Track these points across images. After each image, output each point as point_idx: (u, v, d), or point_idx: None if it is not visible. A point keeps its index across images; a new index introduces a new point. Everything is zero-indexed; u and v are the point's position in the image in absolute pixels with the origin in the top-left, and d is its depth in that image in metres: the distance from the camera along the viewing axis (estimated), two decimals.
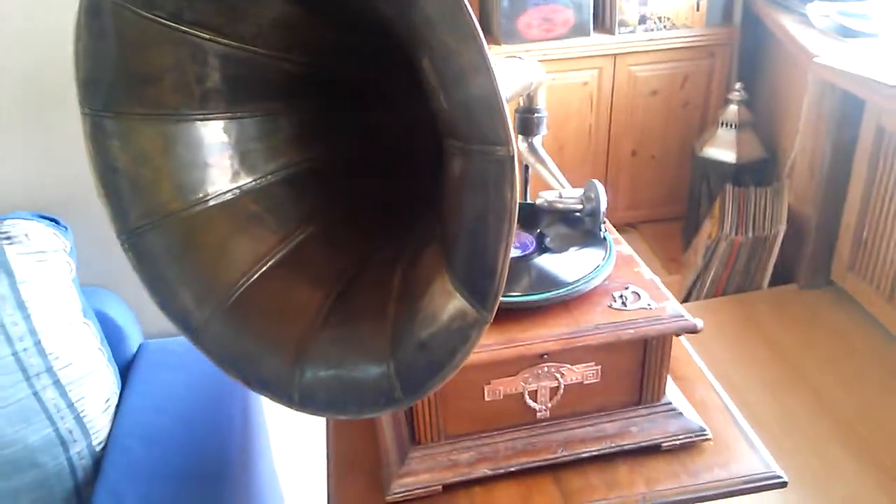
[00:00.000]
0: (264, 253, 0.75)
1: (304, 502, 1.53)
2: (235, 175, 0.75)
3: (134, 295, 1.24)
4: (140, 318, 1.25)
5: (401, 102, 0.76)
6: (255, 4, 0.66)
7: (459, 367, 0.58)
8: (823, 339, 1.98)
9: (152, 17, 0.64)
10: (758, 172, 2.41)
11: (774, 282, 2.21)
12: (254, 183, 0.76)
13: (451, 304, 0.58)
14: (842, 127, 1.98)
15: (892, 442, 1.66)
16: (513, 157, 0.49)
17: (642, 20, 2.45)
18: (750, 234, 2.15)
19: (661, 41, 2.47)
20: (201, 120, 0.72)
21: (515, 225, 0.52)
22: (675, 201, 2.73)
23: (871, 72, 1.75)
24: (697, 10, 2.47)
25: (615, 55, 2.47)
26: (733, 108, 2.41)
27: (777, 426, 1.73)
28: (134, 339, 1.21)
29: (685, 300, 2.26)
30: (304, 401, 0.69)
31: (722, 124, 2.44)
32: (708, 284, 2.21)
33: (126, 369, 1.17)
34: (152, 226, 0.72)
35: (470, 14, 0.48)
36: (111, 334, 1.15)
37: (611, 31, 2.46)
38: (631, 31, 2.46)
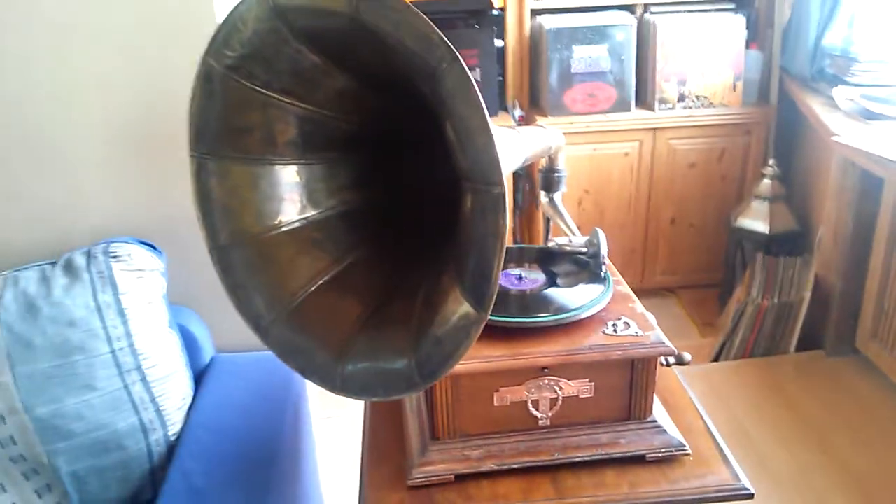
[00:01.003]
0: (321, 271, 0.94)
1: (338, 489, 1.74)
2: (303, 208, 0.95)
3: (210, 315, 1.45)
4: (214, 334, 1.46)
5: (428, 155, 0.95)
6: (326, 78, 0.87)
7: (463, 356, 0.75)
8: (845, 404, 2.06)
9: (250, 85, 0.85)
10: (789, 243, 2.53)
11: (802, 348, 2.30)
12: (317, 215, 0.96)
13: (460, 309, 0.76)
14: (863, 201, 2.10)
15: None
16: (504, 193, 0.67)
17: (681, 98, 2.64)
18: (776, 300, 2.27)
19: (699, 118, 2.64)
20: (280, 165, 0.93)
21: (506, 244, 0.69)
22: (711, 268, 2.85)
23: (888, 152, 1.88)
24: (734, 90, 2.64)
25: (655, 129, 2.65)
26: (767, 182, 2.55)
27: (791, 482, 1.81)
28: (207, 352, 1.41)
29: (714, 360, 2.36)
30: (344, 386, 0.86)
31: (756, 197, 2.58)
32: (736, 346, 2.31)
33: (199, 376, 1.36)
34: (237, 244, 0.92)
35: (477, 90, 0.67)
36: (189, 346, 1.35)
37: (651, 108, 2.65)
38: (670, 108, 2.64)
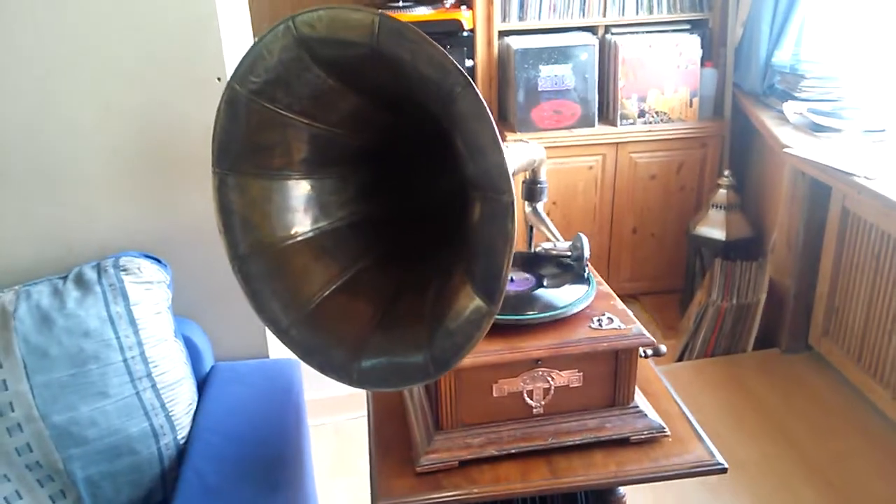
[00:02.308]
0: (333, 277, 1.02)
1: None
2: (316, 219, 1.03)
3: (210, 325, 1.52)
4: (214, 344, 1.52)
5: (431, 169, 1.05)
6: (340, 100, 0.95)
7: (475, 346, 0.84)
8: (801, 397, 2.20)
9: (272, 107, 0.94)
10: (744, 249, 2.68)
11: (759, 346, 2.44)
12: (328, 225, 1.04)
13: (471, 303, 0.85)
14: (813, 208, 2.26)
15: (855, 484, 1.87)
16: (513, 201, 0.77)
17: (641, 114, 2.78)
18: (734, 301, 2.41)
19: (658, 132, 2.79)
20: (296, 179, 1.01)
21: (514, 246, 0.79)
22: (672, 275, 2.99)
23: (834, 161, 2.03)
24: (690, 106, 2.80)
25: (617, 143, 2.79)
26: (722, 191, 2.70)
27: (756, 469, 1.93)
28: (208, 361, 1.47)
29: (678, 360, 2.49)
30: (361, 380, 0.94)
31: (713, 206, 2.73)
32: (698, 346, 2.44)
33: (201, 384, 1.43)
34: (255, 254, 1.00)
35: (488, 111, 0.77)
36: (191, 354, 1.42)
37: (613, 123, 2.79)
38: (631, 124, 2.78)
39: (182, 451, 1.30)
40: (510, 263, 0.79)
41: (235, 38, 1.46)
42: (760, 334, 2.42)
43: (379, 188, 1.09)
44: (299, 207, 1.02)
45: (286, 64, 0.89)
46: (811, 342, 2.36)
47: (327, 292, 1.01)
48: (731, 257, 2.65)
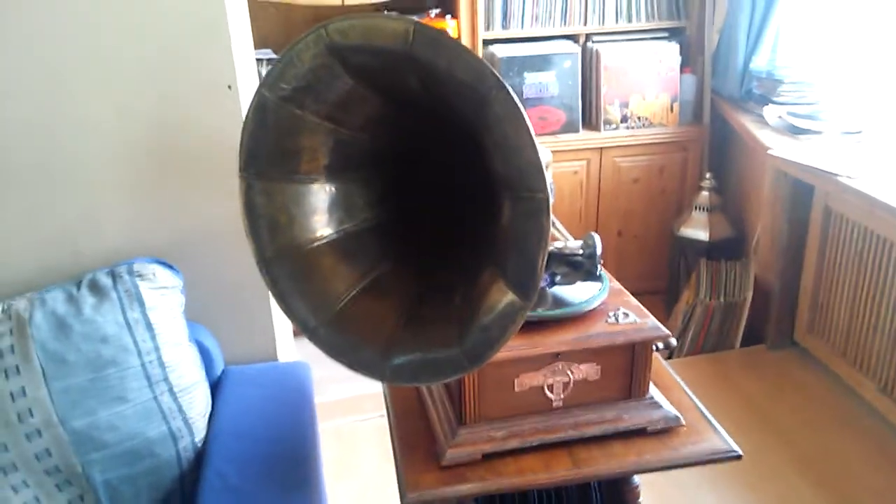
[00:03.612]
0: (358, 278, 1.05)
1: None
2: (340, 222, 1.06)
3: (219, 330, 1.53)
4: (223, 348, 1.53)
5: (453, 169, 1.08)
6: (366, 105, 0.98)
7: (509, 339, 0.87)
8: (788, 390, 2.27)
9: (301, 113, 0.96)
10: (727, 249, 2.75)
11: (746, 343, 2.51)
12: (352, 227, 1.07)
13: (504, 298, 0.88)
14: (796, 208, 2.33)
15: (845, 473, 1.93)
16: (549, 198, 0.81)
17: (624, 119, 2.84)
18: (722, 300, 2.47)
19: (640, 137, 2.85)
20: (321, 183, 1.03)
21: (549, 242, 0.82)
22: (657, 276, 3.05)
23: (817, 162, 2.11)
24: (671, 111, 2.86)
25: (601, 148, 2.85)
26: (705, 193, 2.77)
27: (748, 460, 1.99)
28: (219, 365, 1.48)
29: (668, 358, 2.55)
30: (392, 377, 0.97)
31: (696, 208, 2.79)
32: (687, 344, 2.50)
33: (214, 387, 1.44)
34: (282, 256, 1.02)
35: (524, 113, 0.80)
36: (203, 358, 1.43)
37: (597, 128, 2.85)
38: (614, 129, 2.85)
39: (200, 454, 1.31)
40: (545, 259, 0.83)
41: (243, 47, 1.48)
42: (746, 331, 2.49)
43: (400, 190, 1.11)
44: (324, 210, 1.05)
45: (316, 72, 0.92)
46: (797, 338, 2.43)
47: (353, 293, 1.04)
48: (714, 257, 2.72)
